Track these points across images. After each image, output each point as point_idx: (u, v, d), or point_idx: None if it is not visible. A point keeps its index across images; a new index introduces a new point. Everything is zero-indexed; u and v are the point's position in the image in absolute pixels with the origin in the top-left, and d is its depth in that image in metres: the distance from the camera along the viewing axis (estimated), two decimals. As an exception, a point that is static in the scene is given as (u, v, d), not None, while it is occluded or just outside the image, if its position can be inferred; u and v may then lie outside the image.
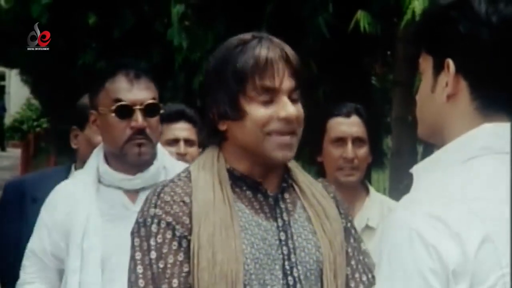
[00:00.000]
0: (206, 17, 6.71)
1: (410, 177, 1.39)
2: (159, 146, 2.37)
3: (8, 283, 2.64)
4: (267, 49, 1.67)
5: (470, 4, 1.32)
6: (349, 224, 1.85)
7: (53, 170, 3.14)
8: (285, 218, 1.74)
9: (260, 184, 1.74)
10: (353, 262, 1.81)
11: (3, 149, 23.18)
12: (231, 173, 1.73)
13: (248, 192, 1.73)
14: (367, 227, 2.69)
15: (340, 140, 2.70)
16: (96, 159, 2.33)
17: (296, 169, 1.82)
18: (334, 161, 2.70)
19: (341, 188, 2.67)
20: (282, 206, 1.76)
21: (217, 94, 1.70)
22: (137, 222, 1.69)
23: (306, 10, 5.76)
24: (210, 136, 1.78)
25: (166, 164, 2.32)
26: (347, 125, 2.72)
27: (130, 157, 2.24)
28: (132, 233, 1.70)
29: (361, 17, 5.25)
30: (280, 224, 1.73)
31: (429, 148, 6.11)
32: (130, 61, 2.41)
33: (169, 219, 1.65)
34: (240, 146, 1.72)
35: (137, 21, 8.59)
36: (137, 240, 1.67)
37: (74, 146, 2.92)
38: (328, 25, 5.65)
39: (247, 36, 1.71)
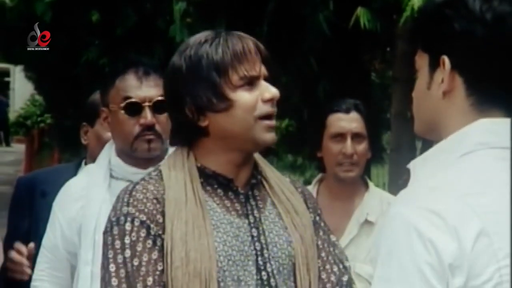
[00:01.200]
0: (207, 14, 6.72)
1: (409, 172, 1.40)
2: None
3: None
4: (240, 40, 1.71)
5: (464, 2, 1.33)
6: (317, 218, 1.86)
7: (63, 166, 3.17)
8: (256, 215, 1.76)
9: (231, 181, 1.75)
10: (323, 254, 1.82)
11: (8, 144, 23.23)
12: (202, 171, 1.74)
13: (219, 190, 1.75)
14: (366, 221, 2.72)
15: (340, 136, 2.73)
16: (108, 153, 2.36)
17: (264, 165, 1.84)
18: (334, 156, 2.72)
19: (340, 183, 2.76)
20: (253, 203, 1.77)
21: (196, 90, 1.70)
22: (109, 221, 1.69)
23: (307, 7, 5.78)
24: (188, 135, 1.77)
25: None
26: (346, 121, 2.73)
27: (139, 153, 2.27)
28: (105, 232, 1.69)
29: (361, 14, 5.27)
30: (251, 220, 1.75)
31: (428, 144, 6.11)
32: (140, 59, 2.43)
33: (143, 217, 1.66)
34: (224, 137, 1.72)
35: (139, 19, 8.59)
36: (109, 238, 1.67)
37: (84, 142, 2.94)
38: (329, 22, 5.68)
39: (208, 33, 1.74)
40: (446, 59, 1.34)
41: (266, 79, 1.74)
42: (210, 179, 1.74)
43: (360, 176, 2.78)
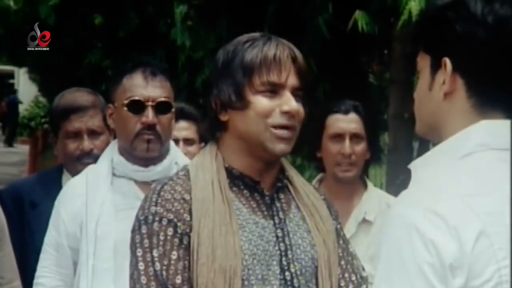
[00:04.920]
0: (208, 17, 6.72)
1: (406, 173, 1.45)
2: (172, 143, 2.44)
3: None
4: (276, 46, 1.72)
5: (466, 4, 1.34)
6: (338, 226, 1.89)
7: (45, 174, 3.00)
8: (281, 216, 1.78)
9: (258, 183, 1.77)
10: (342, 262, 1.84)
11: (10, 145, 23.25)
12: (229, 171, 1.77)
13: (245, 191, 1.77)
14: (365, 220, 2.75)
15: (338, 136, 2.76)
16: (111, 151, 2.39)
17: (290, 169, 1.86)
18: (333, 156, 2.75)
19: (339, 183, 2.76)
20: (278, 205, 1.79)
21: (223, 85, 1.74)
22: (137, 220, 1.71)
23: (307, 11, 5.81)
24: (211, 127, 1.81)
25: (179, 160, 2.38)
26: (345, 121, 2.76)
27: (138, 152, 2.30)
28: (133, 231, 1.71)
29: (359, 17, 5.26)
30: (276, 222, 1.77)
31: (425, 145, 6.15)
32: (149, 60, 2.46)
33: (171, 216, 1.68)
34: (240, 137, 1.75)
35: (141, 22, 8.61)
36: (138, 237, 1.69)
37: (55, 152, 2.86)
38: (328, 25, 5.72)
39: (256, 34, 1.78)
40: (447, 61, 1.35)
41: (296, 90, 1.74)
42: (237, 180, 1.77)
43: (358, 176, 2.81)
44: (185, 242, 1.67)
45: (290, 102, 1.72)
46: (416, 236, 1.22)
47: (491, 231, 1.23)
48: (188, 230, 1.68)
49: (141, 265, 1.67)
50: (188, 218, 1.68)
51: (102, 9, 8.86)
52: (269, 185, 1.80)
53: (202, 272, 1.64)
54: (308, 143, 2.87)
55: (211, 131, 1.83)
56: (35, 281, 2.40)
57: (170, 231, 1.67)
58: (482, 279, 1.22)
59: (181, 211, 1.69)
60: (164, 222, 1.68)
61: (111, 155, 2.38)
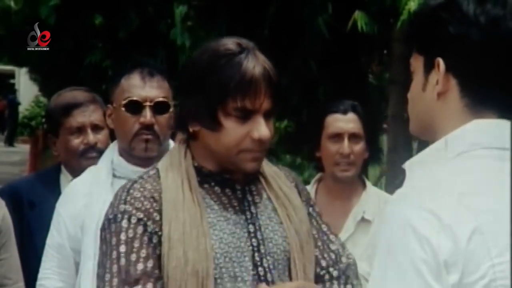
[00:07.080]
0: (208, 17, 6.75)
1: (405, 173, 1.40)
2: (171, 143, 2.41)
3: None
4: (253, 67, 1.66)
5: (458, 5, 1.34)
6: (310, 209, 1.89)
7: (43, 173, 2.99)
8: (253, 210, 1.77)
9: (228, 180, 1.76)
10: (319, 243, 1.85)
11: (11, 145, 23.31)
12: (199, 170, 1.75)
13: (216, 188, 1.75)
14: (363, 219, 2.75)
15: (337, 136, 2.76)
16: (111, 153, 2.40)
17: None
18: (331, 156, 2.76)
19: (338, 183, 2.76)
20: (250, 198, 1.78)
21: (196, 100, 1.70)
22: (107, 219, 1.69)
23: (307, 11, 5.84)
24: (180, 133, 1.78)
25: None
26: (343, 121, 2.76)
27: (137, 152, 2.31)
28: (102, 229, 1.69)
29: (359, 18, 5.30)
30: (248, 216, 1.75)
31: (424, 144, 6.19)
32: (146, 60, 2.47)
33: (140, 215, 1.66)
34: (210, 150, 1.73)
35: (142, 22, 8.63)
36: (107, 236, 1.67)
37: (55, 153, 2.86)
38: (328, 25, 5.74)
39: (232, 45, 1.70)
40: (440, 61, 1.35)
41: (269, 112, 1.71)
42: (207, 178, 1.75)
43: (357, 175, 2.81)
44: (154, 241, 1.65)
45: (261, 129, 1.69)
46: (411, 233, 1.23)
47: (485, 228, 1.24)
48: (157, 230, 1.66)
49: (107, 263, 1.65)
50: (157, 218, 1.67)
51: (102, 9, 8.88)
52: (240, 178, 1.78)
53: (175, 275, 1.63)
54: (307, 143, 2.88)
55: (180, 132, 1.80)
56: (37, 282, 2.41)
57: (139, 229, 1.65)
58: (476, 275, 1.22)
59: (151, 210, 1.67)
60: (133, 220, 1.66)
61: (111, 156, 2.38)
